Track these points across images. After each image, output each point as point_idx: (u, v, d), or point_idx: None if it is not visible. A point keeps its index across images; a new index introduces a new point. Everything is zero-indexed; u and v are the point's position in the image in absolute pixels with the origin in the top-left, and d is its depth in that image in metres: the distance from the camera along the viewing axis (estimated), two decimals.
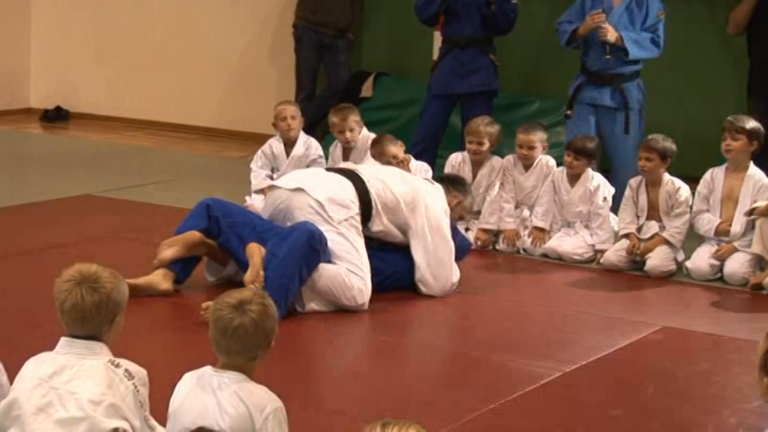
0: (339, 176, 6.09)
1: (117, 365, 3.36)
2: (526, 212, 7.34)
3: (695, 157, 7.60)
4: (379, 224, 6.05)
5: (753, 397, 4.62)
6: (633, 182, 6.99)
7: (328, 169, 6.45)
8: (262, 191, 7.48)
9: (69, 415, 3.29)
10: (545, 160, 7.40)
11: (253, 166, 7.93)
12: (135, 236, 7.01)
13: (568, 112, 7.84)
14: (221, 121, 10.94)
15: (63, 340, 3.42)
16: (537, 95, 9.43)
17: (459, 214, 6.68)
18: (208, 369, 3.40)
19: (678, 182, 6.90)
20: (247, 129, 10.56)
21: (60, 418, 3.29)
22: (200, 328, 4.86)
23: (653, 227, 6.86)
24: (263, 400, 3.33)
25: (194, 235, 5.96)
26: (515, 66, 9.35)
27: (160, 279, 5.86)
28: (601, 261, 6.94)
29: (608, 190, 7.13)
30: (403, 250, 6.15)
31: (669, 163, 6.86)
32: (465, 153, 7.50)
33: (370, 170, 6.30)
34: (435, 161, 8.09)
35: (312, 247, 5.65)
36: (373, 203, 6.02)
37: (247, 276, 5.62)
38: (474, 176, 7.44)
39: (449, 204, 6.33)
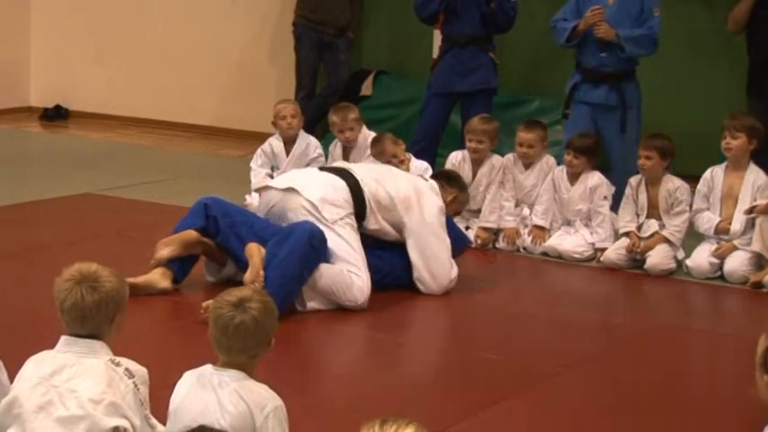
0: (332, 176, 6.08)
1: (117, 364, 3.36)
2: (526, 211, 7.34)
3: (695, 156, 7.60)
4: (374, 223, 6.05)
5: (752, 395, 4.62)
6: (633, 180, 6.99)
7: (322, 168, 6.44)
8: (261, 189, 7.48)
9: (70, 413, 3.29)
10: (545, 159, 7.41)
11: (252, 164, 7.93)
12: (134, 234, 7.01)
13: (566, 111, 7.83)
14: (221, 120, 10.94)
15: (63, 339, 3.42)
16: (537, 94, 9.43)
17: (455, 210, 6.67)
18: (208, 367, 3.40)
19: (678, 180, 6.90)
20: (247, 127, 10.56)
21: (61, 417, 3.29)
22: (199, 326, 4.85)
23: (653, 225, 6.86)
24: (263, 398, 3.33)
25: (191, 234, 5.96)
26: (515, 64, 9.35)
27: (159, 278, 5.86)
28: (601, 259, 6.94)
29: (608, 188, 7.13)
30: (400, 248, 6.14)
31: (669, 161, 6.87)
32: (465, 151, 7.50)
33: (363, 169, 6.29)
34: (435, 160, 8.09)
35: (313, 247, 5.65)
36: (367, 202, 6.01)
37: (247, 276, 5.61)
38: (474, 175, 7.44)
39: (444, 200, 6.31)
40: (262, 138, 8.37)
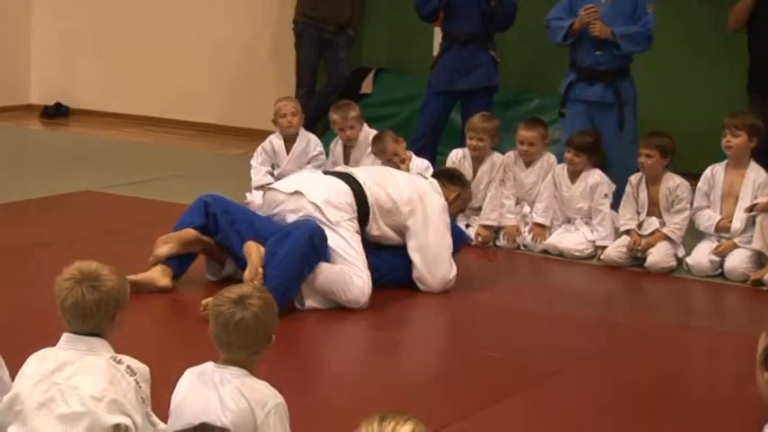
0: (336, 180, 6.07)
1: (119, 362, 3.36)
2: (527, 209, 7.34)
3: (695, 154, 7.60)
4: (377, 229, 6.04)
5: (753, 393, 4.62)
6: (633, 178, 7.00)
7: (325, 172, 6.43)
8: (262, 187, 7.47)
9: (71, 410, 3.29)
10: (546, 156, 7.41)
11: (253, 162, 7.93)
12: (135, 232, 7.01)
13: (562, 110, 7.83)
14: (221, 118, 10.94)
15: (65, 336, 3.42)
16: (537, 92, 9.43)
17: (458, 207, 6.67)
18: (209, 365, 3.40)
19: (678, 178, 6.90)
20: (247, 125, 10.56)
21: (62, 414, 3.29)
22: (200, 324, 4.85)
23: (653, 223, 6.86)
24: (264, 395, 3.33)
25: (189, 232, 5.95)
26: (515, 62, 9.35)
27: (159, 275, 5.86)
28: (601, 257, 6.94)
29: (608, 186, 7.13)
30: (400, 248, 6.13)
31: (669, 159, 6.87)
32: (465, 149, 7.50)
33: (366, 173, 6.27)
34: (436, 157, 8.09)
35: (313, 246, 5.64)
36: (371, 207, 6.00)
37: (246, 275, 5.60)
38: (475, 173, 7.44)
39: (447, 199, 6.31)
40: (262, 135, 8.37)
